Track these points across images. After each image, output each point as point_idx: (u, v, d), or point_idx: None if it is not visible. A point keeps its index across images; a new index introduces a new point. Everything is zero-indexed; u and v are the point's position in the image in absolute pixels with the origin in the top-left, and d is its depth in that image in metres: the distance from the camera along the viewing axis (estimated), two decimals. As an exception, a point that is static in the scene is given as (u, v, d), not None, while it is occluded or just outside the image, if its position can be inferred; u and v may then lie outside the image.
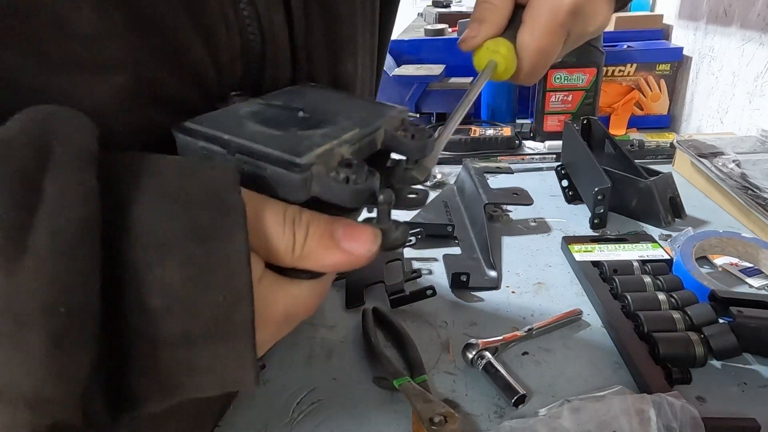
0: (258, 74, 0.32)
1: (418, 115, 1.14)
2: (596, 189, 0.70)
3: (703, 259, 0.64)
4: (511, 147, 1.01)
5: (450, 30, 1.24)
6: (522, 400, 0.43)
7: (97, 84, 0.26)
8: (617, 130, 1.07)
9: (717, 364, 0.47)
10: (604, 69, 1.04)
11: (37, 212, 0.18)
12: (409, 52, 1.18)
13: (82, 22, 0.24)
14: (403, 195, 0.28)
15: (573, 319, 0.54)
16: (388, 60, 1.15)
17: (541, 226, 0.74)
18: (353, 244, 0.23)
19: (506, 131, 1.03)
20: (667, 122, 1.12)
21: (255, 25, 0.30)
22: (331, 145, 0.22)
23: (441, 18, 1.45)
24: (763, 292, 0.58)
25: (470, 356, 0.48)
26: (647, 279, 0.56)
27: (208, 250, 0.20)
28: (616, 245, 0.64)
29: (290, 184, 0.21)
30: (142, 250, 0.20)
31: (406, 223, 0.26)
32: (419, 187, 0.73)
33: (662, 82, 1.09)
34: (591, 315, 0.55)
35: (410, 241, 0.66)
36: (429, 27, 1.23)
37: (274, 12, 0.31)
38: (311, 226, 0.23)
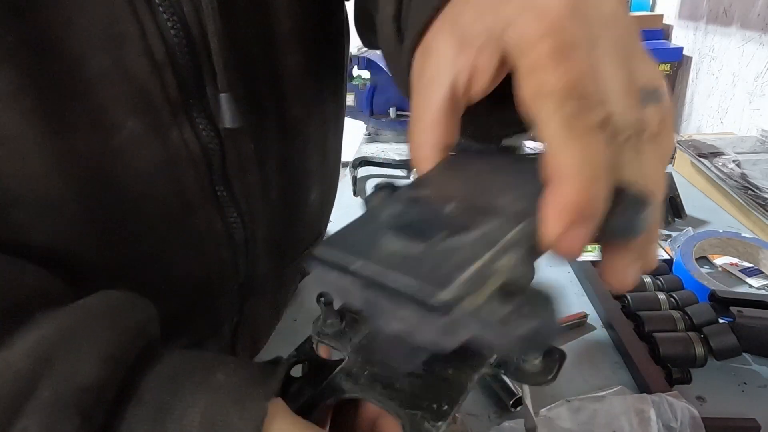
0: (196, 78, 0.30)
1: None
2: (596, 189, 0.70)
3: (703, 259, 0.64)
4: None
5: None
6: (520, 402, 0.43)
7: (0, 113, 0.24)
8: (617, 130, 1.07)
9: (717, 364, 0.47)
10: (604, 69, 1.04)
11: None
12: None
13: None
14: None
15: (578, 322, 0.53)
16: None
17: (542, 226, 0.74)
18: None
19: (506, 131, 1.03)
20: (667, 122, 1.12)
21: (179, 27, 0.28)
22: (486, 260, 0.16)
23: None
24: (763, 292, 0.58)
25: (470, 356, 0.48)
26: (647, 279, 0.56)
27: None
28: (616, 245, 0.64)
29: (430, 332, 0.15)
30: None
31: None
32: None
33: (662, 82, 1.09)
34: (591, 315, 0.55)
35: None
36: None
37: (202, 12, 0.28)
38: None
